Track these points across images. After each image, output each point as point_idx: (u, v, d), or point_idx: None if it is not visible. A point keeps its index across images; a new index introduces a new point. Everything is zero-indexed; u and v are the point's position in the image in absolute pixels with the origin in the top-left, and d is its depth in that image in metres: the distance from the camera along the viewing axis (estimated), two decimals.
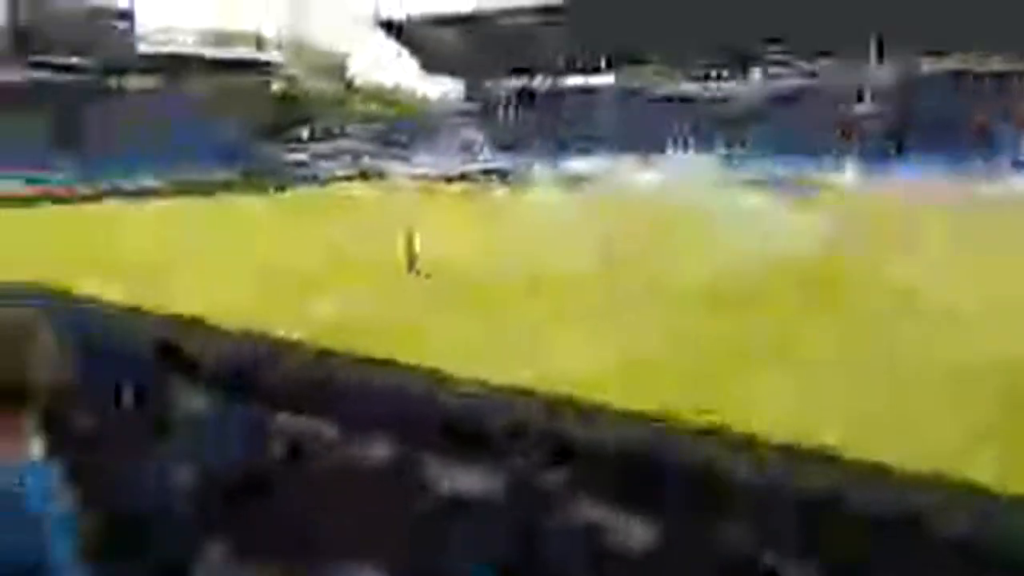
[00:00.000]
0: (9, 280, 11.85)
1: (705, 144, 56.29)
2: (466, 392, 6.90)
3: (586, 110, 67.34)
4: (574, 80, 73.97)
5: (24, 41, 56.80)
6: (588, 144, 59.65)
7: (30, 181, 45.57)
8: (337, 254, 23.61)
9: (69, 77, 58.74)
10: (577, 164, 57.37)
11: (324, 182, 58.82)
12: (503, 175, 59.37)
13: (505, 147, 65.52)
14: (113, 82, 62.62)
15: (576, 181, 51.20)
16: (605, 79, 72.49)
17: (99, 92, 59.63)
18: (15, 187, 43.49)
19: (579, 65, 71.53)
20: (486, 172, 60.76)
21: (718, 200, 35.28)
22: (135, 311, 11.19)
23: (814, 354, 12.58)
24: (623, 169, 53.67)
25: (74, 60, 59.35)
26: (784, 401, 9.93)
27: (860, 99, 57.78)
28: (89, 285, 14.18)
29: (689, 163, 52.61)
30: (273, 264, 22.08)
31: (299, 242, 27.08)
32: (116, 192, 46.31)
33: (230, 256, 23.96)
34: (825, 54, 60.89)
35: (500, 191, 51.69)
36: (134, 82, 64.32)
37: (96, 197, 44.38)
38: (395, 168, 63.61)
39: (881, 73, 59.02)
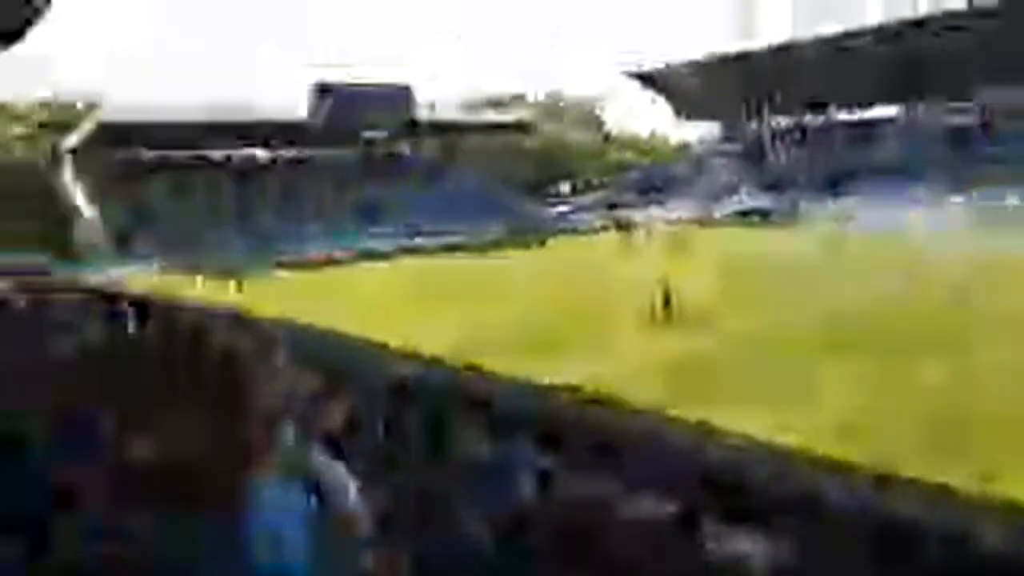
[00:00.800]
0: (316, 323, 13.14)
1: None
2: (743, 447, 6.43)
3: (862, 145, 63.11)
4: (847, 115, 69.83)
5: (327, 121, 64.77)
6: (864, 182, 55.54)
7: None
8: (598, 303, 23.88)
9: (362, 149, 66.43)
10: (850, 203, 53.29)
11: (584, 233, 60.12)
12: (765, 215, 57.10)
13: (768, 187, 63.07)
14: (394, 150, 69.31)
15: (848, 220, 47.46)
16: (884, 112, 67.65)
17: (382, 161, 66.43)
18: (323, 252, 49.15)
19: (852, 99, 67.35)
20: (747, 213, 58.77)
21: None
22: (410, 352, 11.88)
23: None
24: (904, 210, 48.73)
25: (367, 134, 66.88)
26: None
27: None
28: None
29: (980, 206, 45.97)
30: (532, 315, 22.74)
31: (558, 293, 27.75)
32: (403, 251, 50.59)
33: (498, 306, 25.05)
34: None
35: (769, 231, 49.75)
36: (411, 148, 70.72)
37: (382, 256, 48.98)
38: (654, 214, 63.55)
39: None
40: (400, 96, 68.49)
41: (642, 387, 12.54)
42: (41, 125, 63.04)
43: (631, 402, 9.13)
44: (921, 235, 35.80)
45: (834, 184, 57.65)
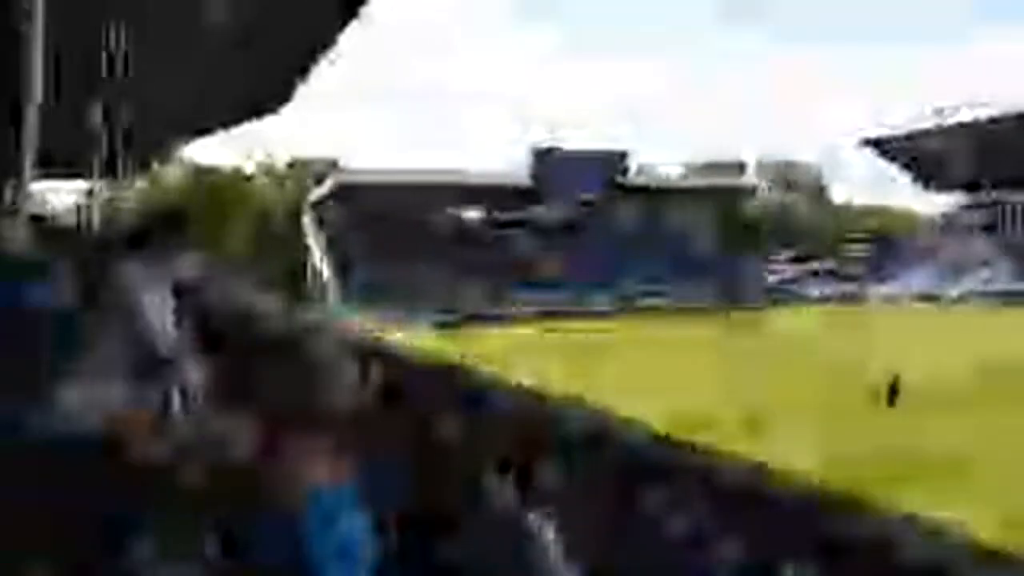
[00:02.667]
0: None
1: None
2: None
3: None
4: None
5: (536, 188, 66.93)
6: None
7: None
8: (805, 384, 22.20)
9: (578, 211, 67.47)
10: None
11: (805, 304, 56.57)
12: (1014, 296, 50.44)
13: (1017, 266, 56.29)
14: (606, 214, 69.47)
15: None
16: None
17: (593, 225, 66.79)
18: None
19: None
20: (991, 293, 52.42)
21: None
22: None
23: None
24: None
25: (582, 197, 68.01)
26: None
27: None
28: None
29: None
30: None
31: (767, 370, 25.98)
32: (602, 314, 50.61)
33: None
34: None
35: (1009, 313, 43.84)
36: (624, 212, 70.51)
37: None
38: (883, 290, 58.64)
39: None
40: (615, 160, 69.41)
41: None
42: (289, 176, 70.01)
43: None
44: None
45: None
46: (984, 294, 53.06)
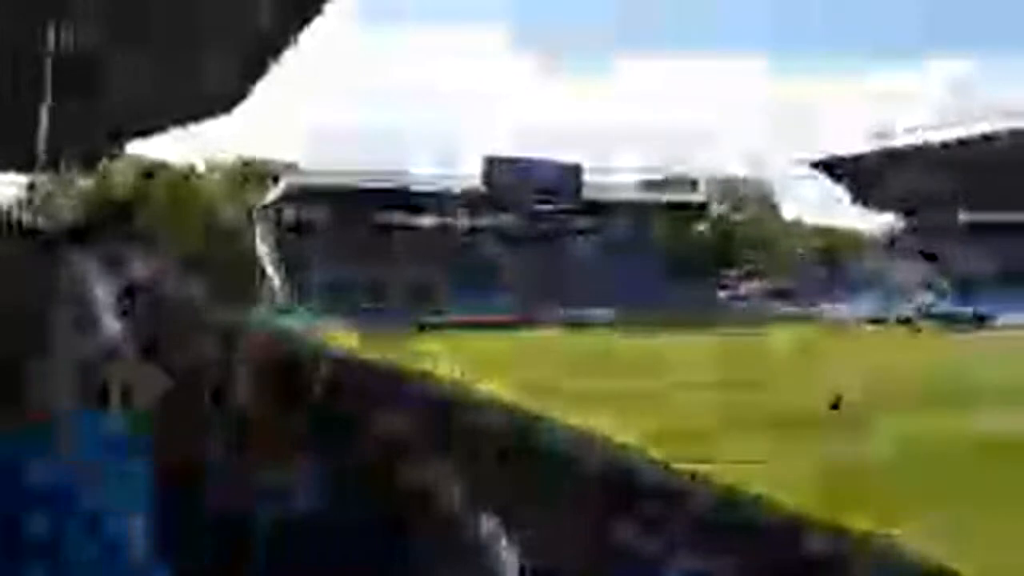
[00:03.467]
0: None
1: None
2: None
3: None
4: None
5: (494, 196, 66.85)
6: None
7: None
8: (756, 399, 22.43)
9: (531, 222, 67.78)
10: None
11: (749, 323, 57.46)
12: (952, 319, 52.26)
13: (958, 288, 58.26)
14: (563, 226, 70.05)
15: None
16: None
17: (548, 235, 67.28)
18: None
19: None
20: (932, 316, 54.14)
21: None
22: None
23: None
24: None
25: (538, 208, 68.33)
26: None
27: None
28: None
29: None
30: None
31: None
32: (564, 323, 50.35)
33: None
34: None
35: (950, 336, 45.44)
36: (580, 224, 71.14)
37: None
38: (829, 310, 60.00)
39: None
40: (570, 173, 70.03)
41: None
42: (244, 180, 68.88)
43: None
44: None
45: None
46: (928, 316, 54.77)
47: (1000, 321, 50.05)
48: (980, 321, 51.63)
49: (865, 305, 59.50)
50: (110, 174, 56.99)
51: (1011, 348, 35.67)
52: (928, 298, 59.47)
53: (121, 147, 32.57)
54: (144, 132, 22.10)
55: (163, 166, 64.18)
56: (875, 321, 54.15)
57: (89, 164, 28.65)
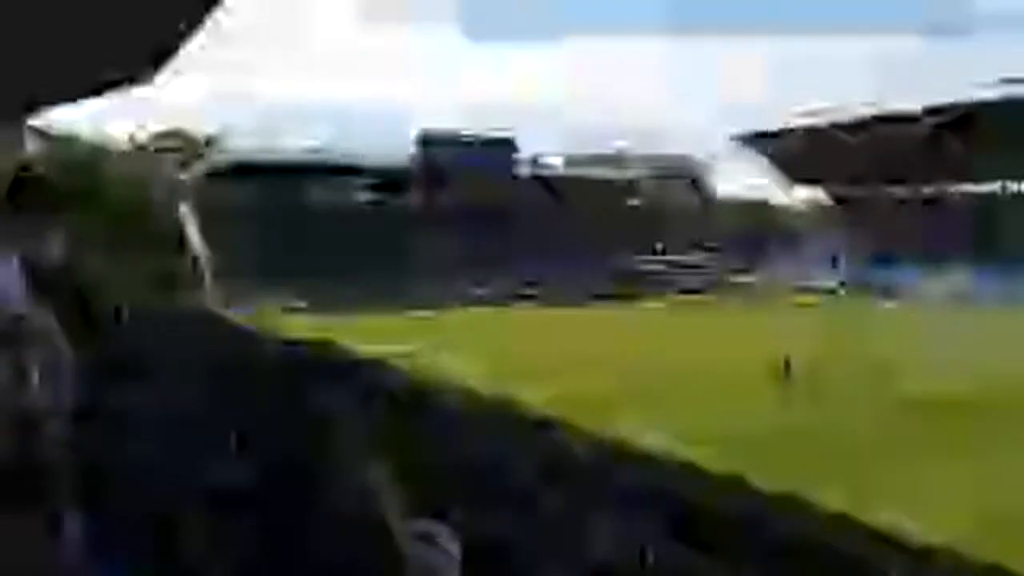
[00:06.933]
0: None
1: None
2: None
3: (976, 219, 59.94)
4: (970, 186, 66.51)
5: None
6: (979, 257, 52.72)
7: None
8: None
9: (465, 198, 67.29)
10: (961, 279, 50.61)
11: (679, 293, 58.79)
12: (870, 287, 54.91)
13: (875, 258, 60.53)
14: (494, 202, 69.72)
15: (963, 300, 44.86)
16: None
17: (481, 212, 66.96)
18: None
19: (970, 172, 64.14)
20: (850, 284, 56.80)
21: None
22: None
23: None
24: None
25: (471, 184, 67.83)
26: None
27: None
28: None
29: None
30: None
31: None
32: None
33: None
34: None
35: (878, 303, 47.64)
36: (513, 202, 70.97)
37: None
38: (754, 279, 61.74)
39: None
40: (503, 149, 69.73)
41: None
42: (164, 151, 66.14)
43: None
44: None
45: (940, 258, 54.83)
46: (846, 283, 57.33)
47: (915, 291, 52.39)
48: (892, 291, 53.83)
49: (783, 274, 61.87)
50: (11, 147, 53.98)
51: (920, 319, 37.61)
52: (846, 268, 61.88)
53: (31, 118, 30.84)
54: (55, 102, 20.87)
55: (75, 138, 61.04)
56: (802, 290, 56.27)
57: None
